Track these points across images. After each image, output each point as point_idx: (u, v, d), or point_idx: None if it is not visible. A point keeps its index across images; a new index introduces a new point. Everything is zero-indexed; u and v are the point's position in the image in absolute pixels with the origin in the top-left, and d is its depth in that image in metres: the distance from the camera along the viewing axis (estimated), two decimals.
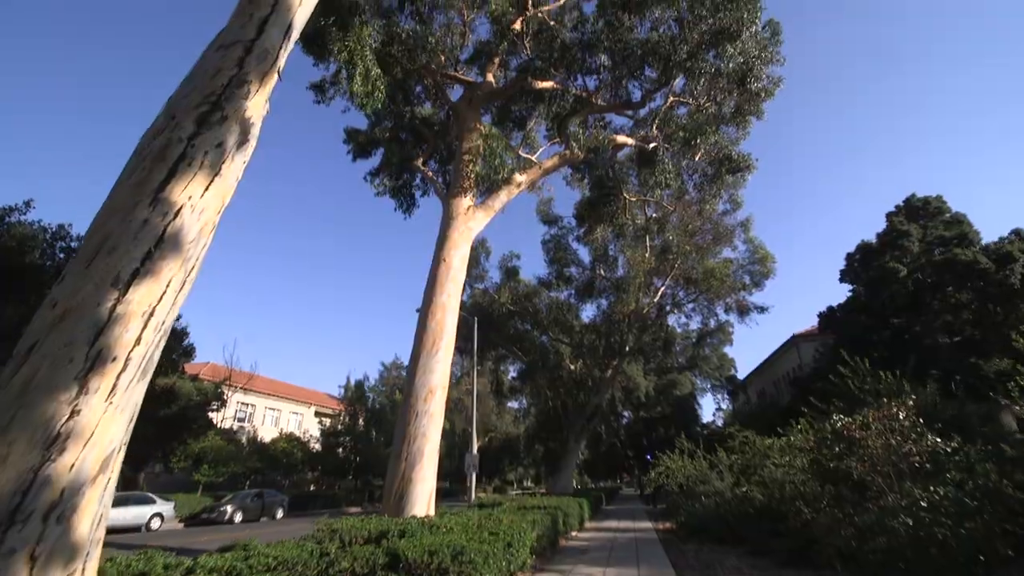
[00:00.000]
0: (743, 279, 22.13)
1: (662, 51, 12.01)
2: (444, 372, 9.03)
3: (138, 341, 3.40)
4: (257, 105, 4.24)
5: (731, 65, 11.45)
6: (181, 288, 3.80)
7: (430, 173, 12.91)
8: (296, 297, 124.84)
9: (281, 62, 4.55)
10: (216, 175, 3.91)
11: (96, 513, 3.16)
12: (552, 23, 15.38)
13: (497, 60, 14.44)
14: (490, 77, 13.88)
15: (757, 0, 11.28)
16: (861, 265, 21.67)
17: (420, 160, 13.14)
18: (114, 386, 3.22)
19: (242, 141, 4.14)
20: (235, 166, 4.10)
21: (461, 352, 30.32)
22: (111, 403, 3.22)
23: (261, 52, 4.26)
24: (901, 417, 6.19)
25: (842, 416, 6.87)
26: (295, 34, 4.81)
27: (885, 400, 6.64)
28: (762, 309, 22.59)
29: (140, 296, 3.44)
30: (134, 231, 3.56)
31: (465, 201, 10.73)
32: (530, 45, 14.72)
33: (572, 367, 26.65)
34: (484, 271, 27.25)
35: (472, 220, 10.64)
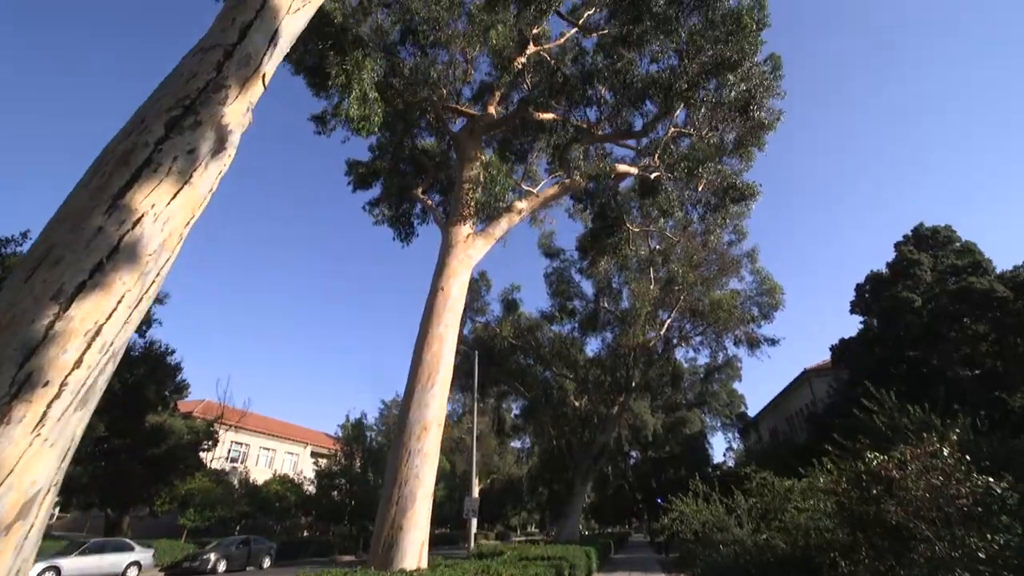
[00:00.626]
0: (751, 311, 21.63)
1: (662, 81, 12.04)
2: (440, 407, 8.46)
3: (78, 363, 2.96)
4: (236, 112, 3.97)
5: (732, 94, 11.44)
6: (136, 305, 3.39)
7: (430, 202, 12.77)
8: (297, 334, 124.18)
9: (265, 69, 4.33)
10: (186, 183, 3.59)
11: (10, 569, 2.64)
12: (552, 61, 15.69)
13: (499, 94, 14.58)
14: (491, 110, 13.95)
15: (757, 34, 11.36)
16: (872, 296, 21.16)
17: (420, 190, 13.04)
18: (44, 415, 2.77)
19: (218, 149, 3.85)
20: (208, 175, 3.79)
21: (462, 389, 29.51)
22: (38, 435, 2.75)
23: (243, 57, 4.04)
24: (945, 454, 5.57)
25: (876, 454, 6.23)
26: (283, 42, 4.62)
27: (924, 435, 6.03)
28: (773, 341, 21.95)
29: (85, 312, 3.03)
30: (86, 240, 3.19)
31: (465, 229, 10.46)
32: (531, 80, 14.92)
33: (577, 404, 25.76)
34: (485, 304, 26.89)
35: (472, 248, 10.33)
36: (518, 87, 15.55)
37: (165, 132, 3.54)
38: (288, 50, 4.96)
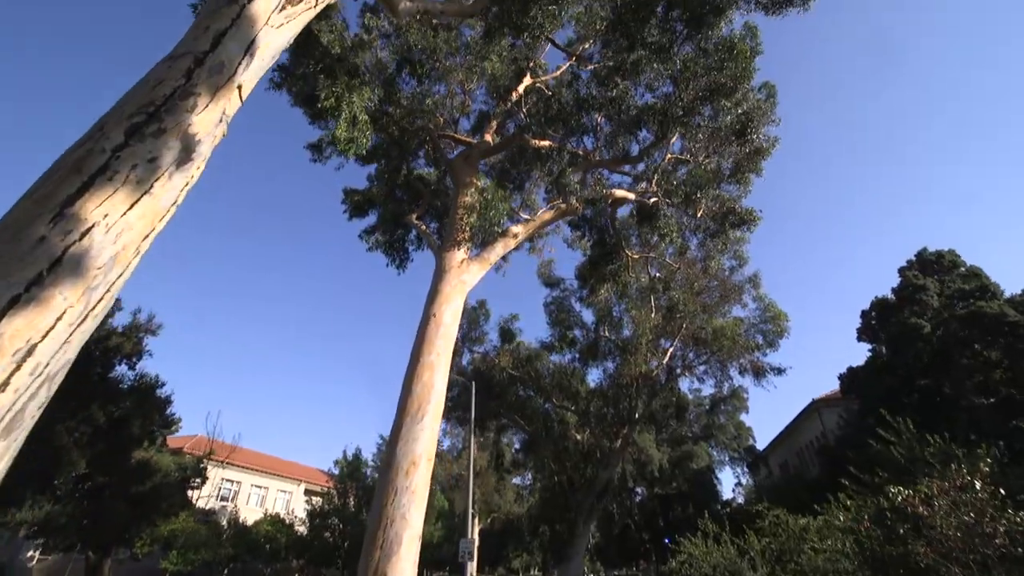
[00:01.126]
0: (755, 339, 21.14)
1: (657, 108, 12.10)
2: (430, 440, 7.98)
3: (3, 386, 2.63)
4: (206, 122, 3.77)
5: (729, 118, 11.46)
6: (80, 323, 3.07)
7: (424, 227, 12.66)
8: (296, 368, 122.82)
9: (242, 80, 4.16)
10: (145, 193, 3.35)
11: None
12: (549, 92, 15.95)
13: (495, 123, 14.71)
14: (488, 137, 14.03)
15: (751, 60, 11.46)
16: (879, 322, 20.74)
17: (414, 215, 12.94)
18: None
19: (184, 159, 3.63)
20: (172, 186, 3.55)
21: (461, 423, 28.71)
22: None
23: (215, 65, 3.87)
24: (977, 487, 5.09)
25: (900, 488, 5.74)
26: (263, 54, 4.46)
27: (952, 467, 5.55)
28: (779, 371, 21.29)
29: (16, 329, 2.72)
30: (25, 250, 2.91)
31: (459, 254, 10.24)
32: (527, 110, 15.10)
33: (579, 437, 24.90)
34: (483, 334, 26.41)
35: (466, 273, 10.07)
36: (514, 117, 15.71)
37: (125, 139, 3.32)
38: (271, 65, 4.83)
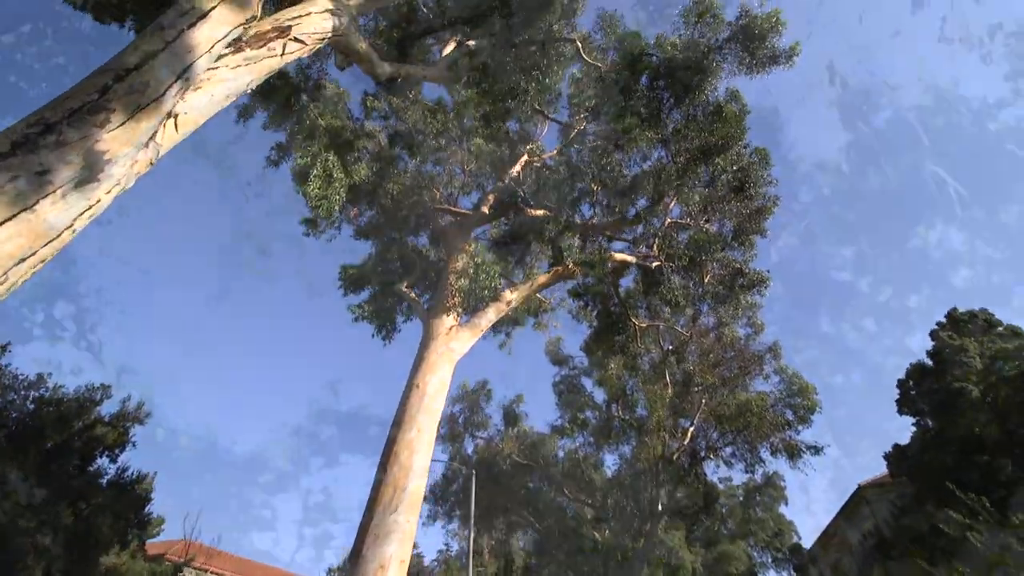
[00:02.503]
0: (784, 414, 19.29)
1: (651, 171, 12.06)
2: (405, 537, 6.69)
3: None
4: (119, 141, 3.35)
5: (725, 176, 11.32)
6: None
7: (414, 295, 12.20)
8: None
9: (176, 108, 3.84)
10: (25, 210, 2.85)
11: None
12: (546, 170, 16.39)
13: (492, 198, 14.86)
14: (484, 210, 14.06)
15: (741, 120, 11.54)
16: (918, 391, 18.98)
17: (404, 284, 12.58)
18: None
19: (86, 179, 3.17)
20: (66, 208, 3.05)
21: (466, 521, 26.05)
22: None
23: (138, 83, 3.54)
24: None
25: None
26: (213, 90, 4.19)
27: None
28: (817, 449, 18.96)
29: None
30: None
31: (448, 320, 9.60)
32: (524, 188, 15.40)
33: (597, 536, 22.15)
34: (486, 417, 24.61)
35: (455, 340, 9.34)
36: (512, 193, 15.97)
37: (10, 148, 2.89)
38: (225, 105, 4.61)
